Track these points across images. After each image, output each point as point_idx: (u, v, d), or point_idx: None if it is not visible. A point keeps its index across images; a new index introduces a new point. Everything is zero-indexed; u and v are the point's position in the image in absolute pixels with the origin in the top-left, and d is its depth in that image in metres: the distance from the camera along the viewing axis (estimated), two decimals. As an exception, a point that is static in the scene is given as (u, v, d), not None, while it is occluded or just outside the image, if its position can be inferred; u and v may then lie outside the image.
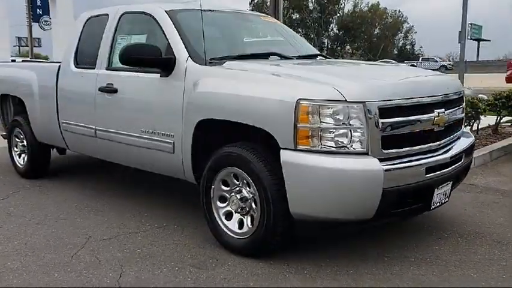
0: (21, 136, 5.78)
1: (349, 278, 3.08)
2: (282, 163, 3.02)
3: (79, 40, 4.92)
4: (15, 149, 6.00)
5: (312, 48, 5.08)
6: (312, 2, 63.63)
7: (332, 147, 2.94)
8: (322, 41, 64.80)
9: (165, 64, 3.81)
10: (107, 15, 4.65)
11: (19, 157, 5.96)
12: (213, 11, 4.47)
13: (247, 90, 3.27)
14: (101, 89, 4.42)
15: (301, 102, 2.95)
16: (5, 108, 6.21)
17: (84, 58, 4.88)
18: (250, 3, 64.32)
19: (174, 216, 4.21)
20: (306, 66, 4.07)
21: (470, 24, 26.82)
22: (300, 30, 66.07)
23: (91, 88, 4.54)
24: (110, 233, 3.86)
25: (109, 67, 4.47)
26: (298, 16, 65.27)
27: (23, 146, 5.81)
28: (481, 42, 51.14)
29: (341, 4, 65.22)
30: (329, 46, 65.18)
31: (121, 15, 4.51)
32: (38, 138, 5.53)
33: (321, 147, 2.93)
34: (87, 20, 4.94)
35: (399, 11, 66.98)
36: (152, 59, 3.79)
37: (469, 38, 24.74)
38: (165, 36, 3.98)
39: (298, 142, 2.96)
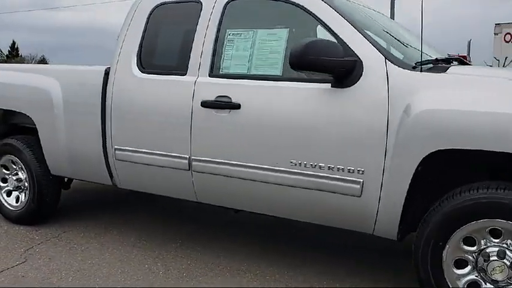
0: (16, 167, 4.22)
1: None
2: None
3: (143, 36, 3.52)
4: (2, 184, 4.31)
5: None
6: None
7: None
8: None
9: (346, 70, 2.70)
10: (199, 2, 3.36)
11: (7, 196, 4.29)
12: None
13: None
14: (205, 104, 3.13)
15: None
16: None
17: (158, 60, 3.53)
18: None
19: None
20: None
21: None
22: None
23: (182, 102, 3.24)
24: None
25: (215, 73, 3.20)
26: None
27: (18, 180, 4.18)
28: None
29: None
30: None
31: (227, 2, 3.26)
32: (54, 171, 3.97)
33: None
34: (155, 8, 3.57)
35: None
36: (334, 62, 2.66)
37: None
38: (331, 30, 2.86)
39: None
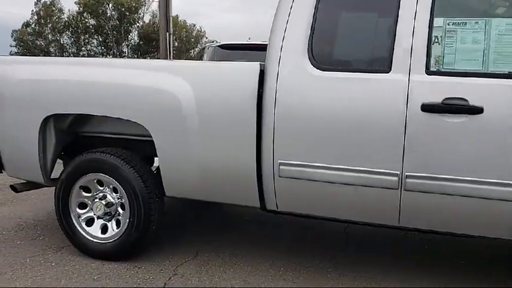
0: (104, 188, 3.36)
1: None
2: None
3: (313, 25, 2.85)
4: (80, 210, 3.38)
5: None
6: (109, 9, 60.01)
7: None
8: (123, 49, 61.67)
9: None
10: (395, -20, 2.76)
11: (87, 225, 3.37)
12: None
13: None
14: (428, 108, 2.56)
15: None
16: (44, 140, 3.47)
17: (339, 54, 2.89)
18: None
19: None
20: None
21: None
22: (97, 37, 61.74)
23: (389, 105, 2.64)
24: None
25: (434, 70, 2.64)
26: (94, 22, 60.82)
27: (108, 205, 3.28)
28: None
29: (140, 14, 63.12)
30: (130, 56, 62.20)
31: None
32: (173, 191, 3.17)
33: None
34: (326, -9, 2.90)
35: (193, 25, 67.71)
36: None
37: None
38: None
39: None
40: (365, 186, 2.72)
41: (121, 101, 3.12)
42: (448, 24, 2.64)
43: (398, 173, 2.63)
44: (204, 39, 64.60)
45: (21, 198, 4.94)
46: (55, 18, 60.04)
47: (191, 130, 2.98)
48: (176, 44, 65.84)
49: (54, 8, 60.10)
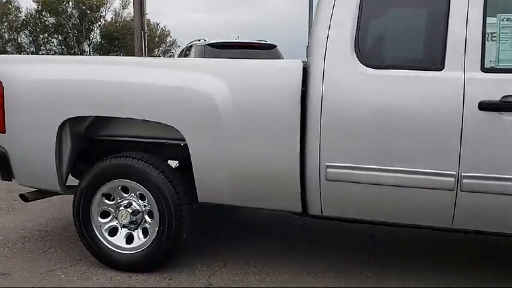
0: (129, 195, 3.15)
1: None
2: None
3: (358, 21, 2.73)
4: (102, 219, 3.17)
5: None
6: (70, 7, 58.44)
7: None
8: (84, 49, 60.23)
9: None
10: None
11: (110, 235, 3.16)
12: None
13: None
14: (486, 106, 2.49)
15: None
16: (60, 145, 3.23)
17: (387, 51, 2.79)
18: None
19: None
20: None
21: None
22: (57, 36, 60.08)
23: (444, 104, 2.56)
24: None
25: (490, 67, 2.57)
26: (54, 21, 59.14)
27: (134, 213, 3.08)
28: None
29: (101, 12, 61.74)
30: (92, 54, 60.73)
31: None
32: (207, 197, 3.00)
33: None
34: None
35: (157, 24, 66.68)
36: None
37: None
38: None
39: None
40: (420, 188, 2.62)
41: (151, 103, 2.92)
42: (503, 20, 2.57)
43: (455, 173, 2.55)
44: (169, 39, 63.78)
45: (16, 207, 4.64)
46: (11, 16, 57.94)
47: (228, 132, 2.81)
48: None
49: (10, 6, 58.07)
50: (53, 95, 3.09)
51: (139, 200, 3.11)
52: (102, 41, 61.84)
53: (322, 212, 2.85)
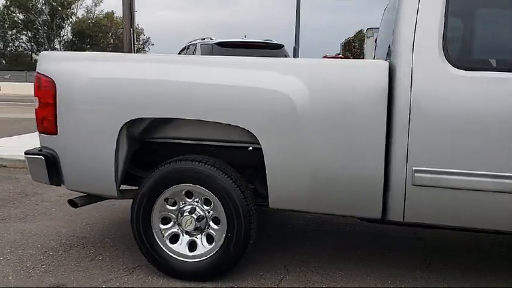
0: (193, 200, 3.00)
1: None
2: None
3: (446, 20, 2.67)
4: (162, 225, 3.02)
5: None
6: (40, 3, 57.01)
7: None
8: (54, 46, 58.85)
9: None
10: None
11: (172, 242, 3.02)
12: None
13: None
14: None
15: None
16: (118, 148, 3.06)
17: (479, 52, 2.74)
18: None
19: None
20: None
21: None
22: (27, 32, 58.57)
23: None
24: None
25: None
26: (23, 17, 57.61)
27: (199, 219, 2.96)
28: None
29: (73, 9, 60.49)
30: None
31: None
32: (277, 203, 2.88)
33: None
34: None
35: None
36: None
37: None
38: None
39: None
40: (513, 193, 2.56)
41: (223, 104, 2.78)
42: None
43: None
44: (142, 37, 62.89)
45: (41, 212, 4.42)
46: (-23, 12, 56.05)
47: (306, 135, 2.70)
48: (112, 41, 63.80)
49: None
50: (114, 95, 2.91)
51: (204, 205, 2.97)
52: (74, 39, 60.63)
53: (404, 218, 2.76)
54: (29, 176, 5.79)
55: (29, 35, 58.71)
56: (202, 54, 7.91)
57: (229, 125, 2.81)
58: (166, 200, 3.00)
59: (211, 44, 7.77)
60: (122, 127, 2.91)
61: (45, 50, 58.17)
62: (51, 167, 3.08)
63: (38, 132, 3.16)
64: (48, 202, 4.73)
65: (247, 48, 7.70)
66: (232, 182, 2.87)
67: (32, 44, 59.77)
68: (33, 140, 8.10)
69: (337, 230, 4.05)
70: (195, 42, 8.74)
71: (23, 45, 59.97)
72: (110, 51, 58.00)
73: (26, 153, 3.19)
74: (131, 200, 3.05)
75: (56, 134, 3.04)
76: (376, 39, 4.21)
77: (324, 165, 2.73)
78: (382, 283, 3.03)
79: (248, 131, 2.78)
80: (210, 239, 2.99)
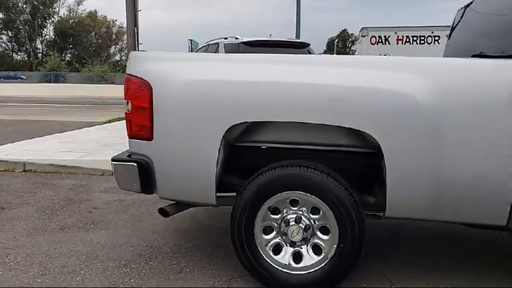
0: (299, 208, 2.84)
1: None
2: None
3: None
4: (264, 235, 2.88)
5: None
6: (21, 2, 55.91)
7: None
8: (36, 45, 57.78)
9: None
10: None
11: (275, 253, 2.88)
12: None
13: None
14: None
15: None
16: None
17: None
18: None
19: None
20: None
21: (190, 40, 26.01)
22: (7, 32, 57.39)
23: None
24: None
25: None
26: (3, 16, 56.43)
27: (306, 228, 2.83)
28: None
29: (55, 8, 59.49)
30: (45, 52, 58.33)
31: None
32: (395, 211, 2.76)
33: None
34: None
35: (114, 21, 64.92)
36: None
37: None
38: None
39: None
40: None
41: (343, 107, 2.63)
42: None
43: None
44: (125, 36, 62.10)
45: (98, 220, 4.22)
46: (-45, 10, 54.89)
47: (434, 139, 2.57)
48: (95, 40, 62.93)
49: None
50: (217, 98, 2.75)
51: (310, 214, 2.82)
52: (56, 38, 59.61)
53: (529, 226, 2.65)
54: (66, 182, 5.61)
55: (10, 34, 57.49)
56: (227, 53, 7.74)
57: (340, 127, 2.67)
58: (269, 208, 2.84)
59: (238, 44, 7.62)
60: (225, 132, 2.75)
61: (27, 50, 57.01)
62: (144, 174, 2.89)
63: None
64: (100, 209, 4.52)
65: (273, 47, 7.57)
66: (344, 190, 2.73)
67: (13, 43, 58.56)
68: (50, 143, 7.81)
69: (415, 234, 3.94)
70: (216, 41, 8.56)
71: (3, 45, 58.71)
72: (94, 50, 57.19)
73: (114, 159, 3.00)
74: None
75: (151, 139, 2.86)
76: (448, 37, 4.11)
77: (453, 168, 2.60)
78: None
79: (362, 133, 2.65)
80: (316, 249, 2.84)
